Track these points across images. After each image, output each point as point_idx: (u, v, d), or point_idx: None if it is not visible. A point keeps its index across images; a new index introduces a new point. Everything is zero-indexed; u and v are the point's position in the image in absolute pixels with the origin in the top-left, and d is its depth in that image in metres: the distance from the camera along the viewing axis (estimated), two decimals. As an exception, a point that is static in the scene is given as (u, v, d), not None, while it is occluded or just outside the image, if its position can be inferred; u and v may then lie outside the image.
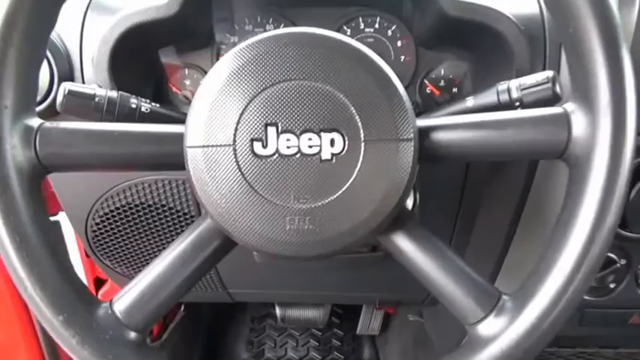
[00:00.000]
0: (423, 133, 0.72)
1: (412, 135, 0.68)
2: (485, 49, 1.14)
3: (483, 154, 0.76)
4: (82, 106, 0.90)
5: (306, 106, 0.61)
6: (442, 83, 1.27)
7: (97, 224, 1.37)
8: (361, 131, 0.64)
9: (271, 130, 0.60)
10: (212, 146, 0.62)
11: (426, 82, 1.26)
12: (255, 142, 0.61)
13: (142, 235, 1.42)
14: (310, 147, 0.61)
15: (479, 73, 1.23)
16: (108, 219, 1.36)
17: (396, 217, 0.65)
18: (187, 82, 1.26)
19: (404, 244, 0.74)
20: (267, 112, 0.60)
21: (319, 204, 0.62)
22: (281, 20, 1.25)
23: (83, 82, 1.11)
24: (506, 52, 1.08)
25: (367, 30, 1.26)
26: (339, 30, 1.26)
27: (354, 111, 0.64)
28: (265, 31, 1.26)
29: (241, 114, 0.61)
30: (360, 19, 1.25)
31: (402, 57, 1.26)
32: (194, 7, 1.05)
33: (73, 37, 1.11)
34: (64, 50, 1.10)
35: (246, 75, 0.61)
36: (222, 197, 0.65)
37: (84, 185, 1.30)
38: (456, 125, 0.74)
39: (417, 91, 1.27)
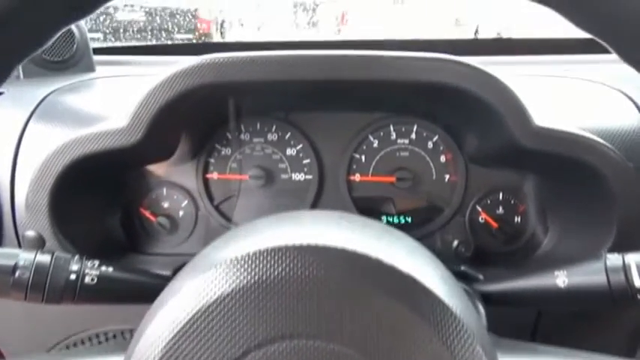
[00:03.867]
0: None
1: None
2: (568, 177, 0.82)
3: None
4: (-3, 281, 0.61)
5: None
6: (500, 211, 0.96)
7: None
8: None
9: None
10: None
11: (479, 209, 0.95)
12: None
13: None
14: None
15: (555, 198, 0.90)
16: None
17: None
18: (165, 205, 0.97)
19: None
20: None
21: None
22: (287, 128, 0.96)
23: (15, 230, 0.82)
24: (602, 192, 0.75)
25: (400, 141, 0.96)
26: (362, 142, 0.96)
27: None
28: (266, 141, 0.98)
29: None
30: (392, 128, 0.95)
31: (447, 176, 0.96)
32: (167, 126, 0.77)
33: (1, 168, 0.83)
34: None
35: (203, 333, 0.38)
36: None
37: (30, 334, 1.00)
38: None
39: (467, 221, 0.95)
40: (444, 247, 0.96)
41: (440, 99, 0.79)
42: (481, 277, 0.80)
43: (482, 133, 0.83)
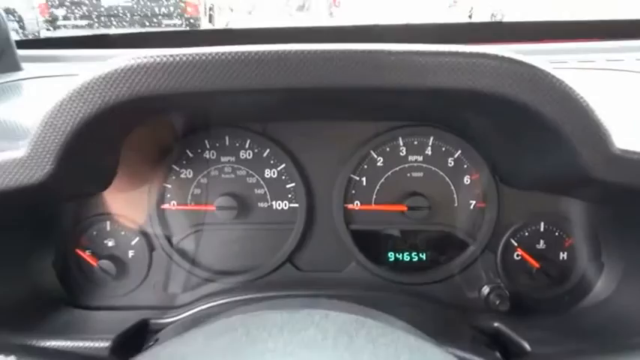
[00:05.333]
0: None
1: None
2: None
3: None
4: None
5: None
6: (541, 245, 0.76)
7: None
8: None
9: None
10: None
11: (514, 243, 0.75)
12: None
13: None
14: None
15: (613, 229, 0.71)
16: None
17: None
18: (109, 244, 0.76)
19: None
20: None
21: None
22: (264, 143, 0.75)
23: None
24: None
25: (412, 158, 0.75)
26: (363, 159, 0.75)
27: None
28: (238, 160, 0.76)
29: None
30: (400, 141, 0.73)
31: (472, 202, 0.75)
32: (91, 150, 0.54)
33: None
34: None
35: None
36: None
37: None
38: None
39: (499, 260, 0.75)
40: (470, 294, 0.75)
41: (474, 106, 0.57)
42: (527, 345, 0.60)
43: (530, 153, 0.60)
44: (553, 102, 0.47)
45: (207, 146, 0.75)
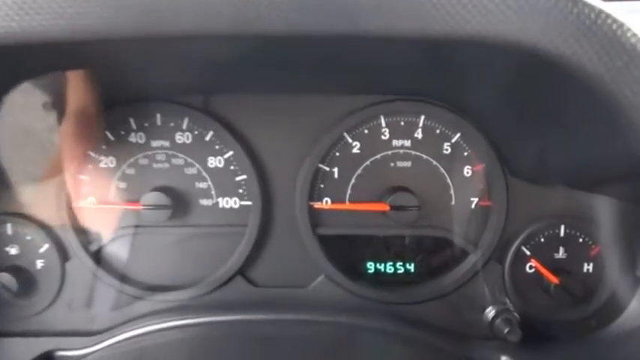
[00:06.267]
0: None
1: None
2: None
3: None
4: None
5: None
6: (561, 254, 0.63)
7: None
8: None
9: None
10: None
11: (527, 252, 0.63)
12: None
13: None
14: None
15: None
16: None
17: None
18: (11, 252, 0.65)
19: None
20: None
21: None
22: (208, 123, 0.60)
23: None
24: None
25: (397, 142, 0.60)
26: (334, 145, 0.64)
27: None
28: (174, 145, 0.60)
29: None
30: (382, 120, 0.58)
31: (474, 200, 0.62)
32: None
33: None
34: None
35: None
36: None
37: None
38: None
39: (508, 272, 0.63)
40: (470, 316, 0.61)
41: (493, 66, 0.40)
42: None
43: (562, 135, 0.45)
44: (615, 66, 0.30)
45: (134, 126, 0.60)
